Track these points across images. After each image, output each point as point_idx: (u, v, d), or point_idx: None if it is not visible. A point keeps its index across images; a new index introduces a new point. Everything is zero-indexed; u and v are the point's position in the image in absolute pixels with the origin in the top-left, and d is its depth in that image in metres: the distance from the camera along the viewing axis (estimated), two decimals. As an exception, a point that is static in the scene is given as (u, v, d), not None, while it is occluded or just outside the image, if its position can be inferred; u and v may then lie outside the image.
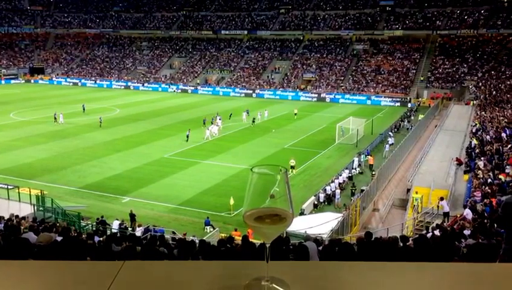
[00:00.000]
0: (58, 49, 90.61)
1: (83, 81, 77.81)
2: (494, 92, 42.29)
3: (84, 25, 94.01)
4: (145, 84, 73.02)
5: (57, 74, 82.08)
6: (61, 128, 39.95)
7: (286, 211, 1.22)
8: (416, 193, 20.42)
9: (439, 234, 10.69)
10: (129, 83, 74.23)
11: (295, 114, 46.44)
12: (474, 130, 29.88)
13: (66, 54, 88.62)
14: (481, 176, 19.27)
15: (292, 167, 27.77)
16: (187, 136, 35.67)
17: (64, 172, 27.81)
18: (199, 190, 25.14)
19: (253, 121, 42.32)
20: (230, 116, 44.27)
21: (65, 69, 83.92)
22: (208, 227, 19.68)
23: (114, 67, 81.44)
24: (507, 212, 4.76)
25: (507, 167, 18.79)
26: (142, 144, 34.84)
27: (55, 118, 42.17)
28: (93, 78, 78.46)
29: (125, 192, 24.58)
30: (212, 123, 40.08)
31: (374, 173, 26.64)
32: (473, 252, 7.50)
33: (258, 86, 67.02)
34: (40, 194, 20.66)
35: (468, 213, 14.56)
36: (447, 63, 62.42)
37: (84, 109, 47.67)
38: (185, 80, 73.10)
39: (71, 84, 77.26)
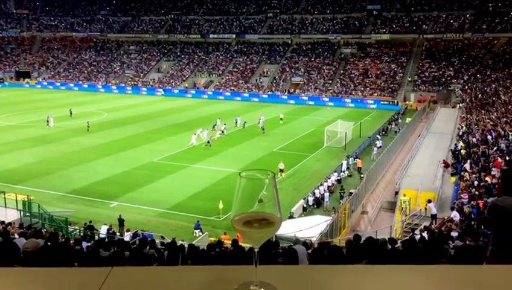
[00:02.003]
0: (45, 52, 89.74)
1: (69, 85, 77.13)
2: (479, 95, 42.86)
3: (71, 29, 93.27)
4: (133, 88, 72.69)
5: (44, 78, 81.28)
6: (48, 133, 39.52)
7: (274, 216, 1.22)
8: (404, 195, 20.59)
9: (427, 236, 10.78)
10: (115, 87, 73.80)
11: (281, 119, 46.06)
12: (460, 133, 30.24)
13: (53, 57, 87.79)
14: (468, 178, 19.50)
15: (281, 171, 27.80)
16: (208, 142, 35.69)
17: (51, 177, 27.49)
18: (188, 194, 25.05)
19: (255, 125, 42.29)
20: (213, 126, 41.33)
21: (52, 73, 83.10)
22: (197, 231, 19.60)
23: (101, 71, 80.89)
24: (493, 214, 4.78)
25: (493, 169, 19.03)
26: (130, 148, 34.61)
27: (47, 121, 41.81)
28: (80, 82, 77.82)
29: (113, 197, 24.38)
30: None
31: (362, 176, 26.80)
32: (460, 254, 7.58)
33: (246, 90, 67.11)
34: (26, 199, 20.37)
35: (455, 215, 14.71)
36: (433, 66, 63.15)
37: (71, 113, 47.25)
38: (173, 84, 72.89)
39: (58, 88, 76.51)
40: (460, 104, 44.17)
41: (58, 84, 77.92)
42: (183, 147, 35.02)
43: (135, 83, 75.04)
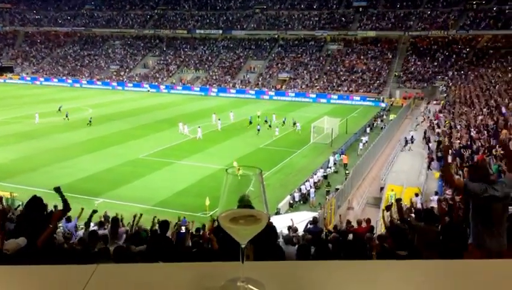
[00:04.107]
0: (28, 47, 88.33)
1: (53, 80, 76.07)
2: (463, 92, 43.43)
3: (54, 23, 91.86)
4: (119, 83, 72.03)
5: (27, 73, 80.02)
6: (33, 129, 38.95)
7: (261, 212, 1.22)
8: (392, 190, 20.83)
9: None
10: (99, 82, 73.03)
11: (258, 116, 44.36)
12: (445, 129, 30.68)
13: (36, 52, 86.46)
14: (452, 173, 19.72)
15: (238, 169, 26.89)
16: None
17: (34, 174, 27.12)
18: (174, 190, 24.94)
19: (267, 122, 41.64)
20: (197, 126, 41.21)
21: (35, 67, 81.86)
22: (184, 227, 19.51)
23: (86, 66, 79.92)
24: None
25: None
26: (115, 144, 34.31)
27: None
28: (64, 78, 76.78)
29: (98, 193, 24.16)
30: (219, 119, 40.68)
31: (348, 171, 26.99)
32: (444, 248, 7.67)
33: (232, 86, 67.00)
34: (9, 196, 20.09)
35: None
36: (418, 63, 63.76)
37: (60, 109, 46.69)
38: (159, 79, 72.39)
39: (41, 83, 75.42)
40: (444, 101, 44.74)
41: (41, 79, 76.80)
42: (169, 143, 34.83)
43: (120, 78, 74.33)
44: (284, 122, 41.78)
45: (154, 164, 29.64)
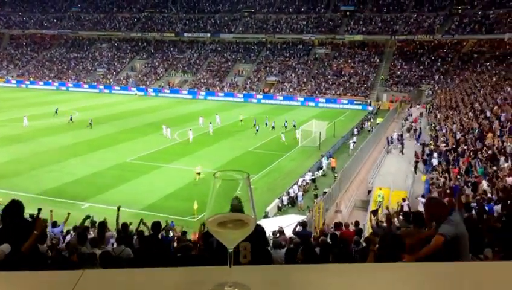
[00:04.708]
0: (14, 50, 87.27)
1: (39, 83, 75.22)
2: (448, 96, 43.97)
3: (40, 26, 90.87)
4: (106, 86, 71.52)
5: (12, 76, 79.00)
6: (19, 133, 38.44)
7: (249, 216, 1.22)
8: (380, 189, 21.03)
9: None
10: (86, 86, 72.43)
11: (240, 120, 44.45)
12: (431, 132, 31.03)
13: (22, 55, 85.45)
14: (437, 176, 19.97)
15: (198, 174, 26.38)
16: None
17: (20, 178, 26.75)
18: (162, 194, 24.81)
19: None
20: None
21: (21, 70, 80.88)
22: (171, 231, 19.40)
23: (72, 69, 79.21)
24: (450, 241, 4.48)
25: (462, 166, 19.56)
26: (103, 148, 34.02)
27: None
28: (50, 81, 75.98)
29: (84, 198, 23.92)
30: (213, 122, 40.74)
31: (336, 175, 27.12)
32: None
33: (220, 89, 66.98)
34: (-6, 201, 19.77)
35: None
36: (405, 67, 64.43)
37: (56, 112, 46.46)
38: (147, 82, 72.04)
39: (27, 86, 74.52)
40: (430, 104, 45.27)
41: (27, 82, 75.89)
42: (157, 147, 34.66)
43: (107, 81, 73.81)
44: (285, 125, 41.87)
45: (141, 168, 29.44)
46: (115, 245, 8.69)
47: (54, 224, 13.46)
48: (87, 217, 12.23)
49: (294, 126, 41.18)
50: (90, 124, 41.27)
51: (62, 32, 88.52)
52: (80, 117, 46.15)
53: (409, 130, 35.35)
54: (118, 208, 11.62)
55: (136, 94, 67.68)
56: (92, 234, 10.81)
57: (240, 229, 1.21)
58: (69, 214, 13.50)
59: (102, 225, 10.36)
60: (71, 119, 42.94)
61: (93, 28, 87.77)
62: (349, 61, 68.03)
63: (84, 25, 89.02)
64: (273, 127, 41.52)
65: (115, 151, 33.41)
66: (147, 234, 9.69)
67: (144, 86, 70.61)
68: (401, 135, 33.03)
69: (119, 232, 10.20)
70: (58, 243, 10.85)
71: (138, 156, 32.10)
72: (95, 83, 73.21)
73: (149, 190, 25.29)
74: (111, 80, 74.11)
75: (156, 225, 8.30)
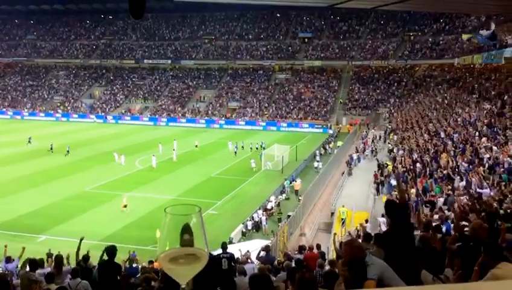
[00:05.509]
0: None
1: (-8, 112, 72.41)
2: (404, 118, 45.52)
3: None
4: (63, 114, 69.69)
5: (-37, 105, 75.74)
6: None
7: (201, 250, 1.21)
8: (343, 206, 21.35)
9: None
10: (43, 114, 70.36)
11: (196, 146, 44.60)
12: (388, 153, 31.91)
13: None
14: (396, 196, 20.43)
15: (125, 206, 25.88)
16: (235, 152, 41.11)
17: (-30, 212, 25.39)
18: (123, 223, 24.15)
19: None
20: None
21: (-28, 99, 77.69)
22: (134, 262, 18.82)
23: (28, 97, 76.82)
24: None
25: (420, 186, 20.13)
26: (60, 178, 32.92)
27: None
28: (4, 109, 73.28)
29: (41, 230, 22.95)
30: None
31: (300, 198, 27.29)
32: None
33: (182, 115, 66.64)
34: None
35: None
36: (362, 91, 66.45)
37: (30, 141, 45.37)
38: (106, 110, 70.74)
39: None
40: (387, 126, 46.68)
41: (-21, 111, 72.93)
42: (117, 175, 33.87)
43: (65, 109, 71.99)
44: (262, 146, 43.13)
45: (101, 197, 28.64)
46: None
47: (8, 259, 12.78)
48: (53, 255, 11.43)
49: (262, 147, 42.14)
50: (51, 149, 41.19)
51: (17, 60, 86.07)
52: (36, 147, 44.54)
53: (362, 150, 36.62)
54: (81, 240, 11.10)
55: (94, 122, 66.25)
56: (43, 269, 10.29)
57: (192, 264, 1.20)
58: (23, 248, 12.85)
59: (59, 259, 9.92)
60: (51, 149, 41.78)
61: (50, 55, 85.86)
62: (309, 86, 69.53)
63: (41, 52, 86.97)
64: (235, 153, 41.64)
65: (74, 180, 32.38)
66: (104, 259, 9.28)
67: (103, 114, 69.25)
68: (359, 156, 34.00)
69: (80, 264, 9.80)
70: (11, 279, 10.28)
71: (97, 185, 31.24)
72: (52, 111, 71.22)
73: (109, 219, 24.57)
74: (68, 108, 72.33)
75: (110, 250, 8.05)
